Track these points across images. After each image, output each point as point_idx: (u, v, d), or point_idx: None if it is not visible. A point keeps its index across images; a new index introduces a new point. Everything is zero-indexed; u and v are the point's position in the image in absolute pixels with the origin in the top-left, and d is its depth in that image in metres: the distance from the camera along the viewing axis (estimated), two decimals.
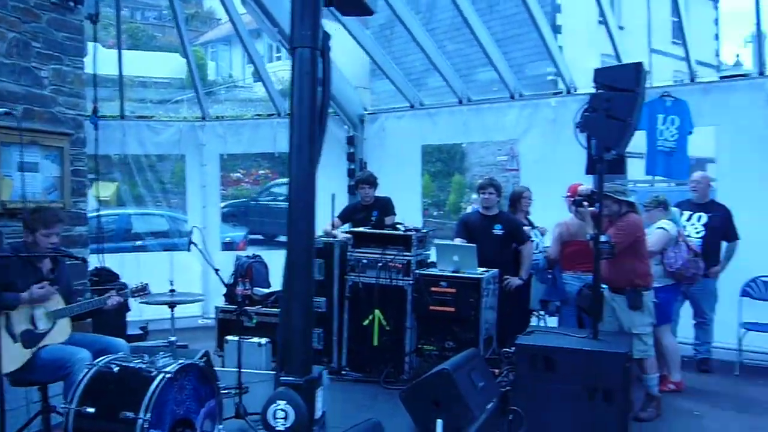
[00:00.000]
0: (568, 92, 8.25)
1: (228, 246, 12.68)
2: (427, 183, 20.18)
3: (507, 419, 5.13)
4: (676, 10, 7.90)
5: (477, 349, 5.88)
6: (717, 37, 24.40)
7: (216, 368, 5.27)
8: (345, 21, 8.14)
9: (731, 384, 6.76)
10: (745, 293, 7.15)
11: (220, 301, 7.35)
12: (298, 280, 2.87)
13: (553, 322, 7.01)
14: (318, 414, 2.87)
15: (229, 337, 6.62)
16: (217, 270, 5.60)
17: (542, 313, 6.96)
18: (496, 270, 6.43)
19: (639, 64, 5.40)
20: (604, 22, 7.68)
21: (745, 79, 7.72)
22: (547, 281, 6.65)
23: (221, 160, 10.38)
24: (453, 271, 6.27)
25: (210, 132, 9.89)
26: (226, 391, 5.02)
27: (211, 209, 9.92)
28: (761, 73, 7.53)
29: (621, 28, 18.87)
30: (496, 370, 5.73)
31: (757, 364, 7.08)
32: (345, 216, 7.50)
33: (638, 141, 7.49)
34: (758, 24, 7.08)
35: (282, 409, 2.66)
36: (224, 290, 6.69)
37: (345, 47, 8.75)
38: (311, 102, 2.88)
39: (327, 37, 2.95)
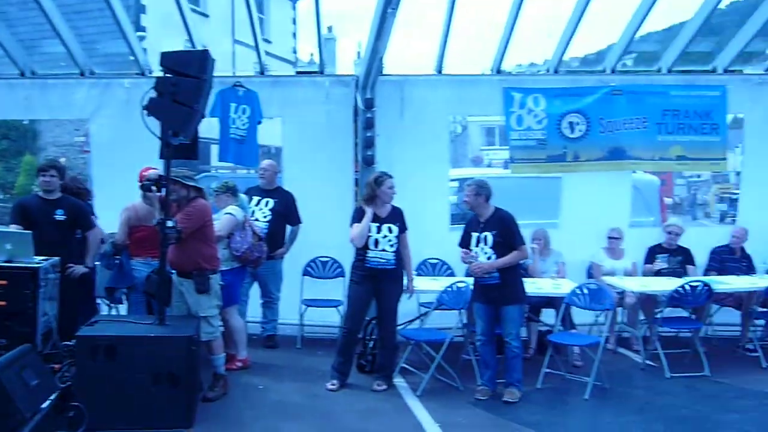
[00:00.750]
0: (143, 74, 8.06)
1: None
2: None
3: (67, 416, 4.83)
4: (256, 5, 8.24)
5: (33, 344, 5.40)
6: (295, 35, 26.20)
7: None
8: None
9: (294, 357, 7.32)
10: (306, 272, 7.81)
11: None
12: None
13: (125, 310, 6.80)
14: None
15: None
16: None
17: (108, 301, 6.70)
18: (57, 258, 5.98)
19: (205, 52, 5.49)
20: (178, 7, 7.64)
21: (308, 75, 8.44)
22: (114, 267, 6.40)
23: None
24: (5, 261, 5.64)
25: None
26: None
27: None
28: (321, 72, 8.28)
29: (206, 15, 19.18)
30: (57, 365, 5.34)
31: (316, 337, 7.79)
32: None
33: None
34: (318, 27, 7.74)
35: None
36: None
37: None
38: None
39: None
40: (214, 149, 8.55)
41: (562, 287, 6.94)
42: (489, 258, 6.01)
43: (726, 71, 8.39)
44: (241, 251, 6.42)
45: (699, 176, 30.40)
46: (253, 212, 7.28)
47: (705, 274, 7.78)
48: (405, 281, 6.42)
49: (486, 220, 6.07)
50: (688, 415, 5.86)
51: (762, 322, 7.75)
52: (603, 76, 8.32)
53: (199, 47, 7.80)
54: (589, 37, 9.24)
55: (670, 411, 5.94)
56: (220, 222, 6.30)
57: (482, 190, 6.06)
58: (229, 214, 6.45)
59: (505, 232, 6.00)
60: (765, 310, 7.60)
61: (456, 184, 9.39)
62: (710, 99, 8.22)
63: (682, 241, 7.92)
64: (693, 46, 8.30)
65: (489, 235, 6.02)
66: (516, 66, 11.28)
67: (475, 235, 6.11)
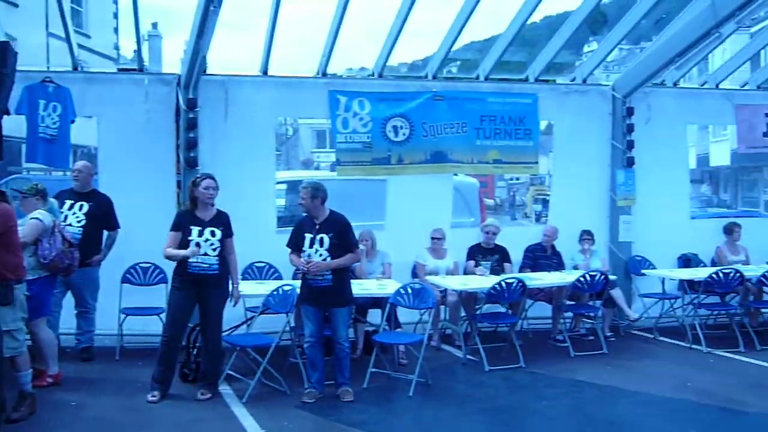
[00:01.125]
0: None
1: None
2: None
3: None
4: None
5: None
6: (116, 30, 24.86)
7: None
8: None
9: (112, 369, 6.94)
10: (125, 280, 7.44)
11: None
12: None
13: None
14: None
15: None
16: None
17: None
18: None
19: (6, 44, 5.10)
20: None
21: (127, 73, 8.05)
22: None
23: None
24: None
25: None
26: None
27: None
28: (141, 70, 7.94)
29: (15, 5, 17.79)
30: None
31: (136, 347, 7.41)
32: None
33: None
34: (136, 22, 7.37)
35: None
36: None
37: None
38: None
39: None
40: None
41: (388, 287, 7.09)
42: (325, 259, 6.02)
43: (537, 80, 8.94)
44: (49, 258, 5.97)
45: (518, 179, 32.32)
46: (66, 217, 6.84)
47: (520, 271, 8.26)
48: (230, 287, 6.27)
49: (321, 222, 6.09)
50: (505, 405, 6.18)
51: (570, 314, 8.35)
52: (425, 82, 8.60)
53: (2, 38, 7.23)
54: (416, 43, 9.54)
55: (488, 402, 6.25)
56: (25, 227, 5.84)
57: (318, 192, 6.07)
58: (36, 218, 5.98)
59: (342, 235, 6.08)
60: (573, 303, 8.18)
61: (284, 186, 9.34)
62: (523, 106, 8.74)
63: (503, 241, 8.35)
64: (509, 56, 8.79)
65: (325, 237, 6.04)
66: (347, 70, 11.42)
67: (309, 236, 6.09)
